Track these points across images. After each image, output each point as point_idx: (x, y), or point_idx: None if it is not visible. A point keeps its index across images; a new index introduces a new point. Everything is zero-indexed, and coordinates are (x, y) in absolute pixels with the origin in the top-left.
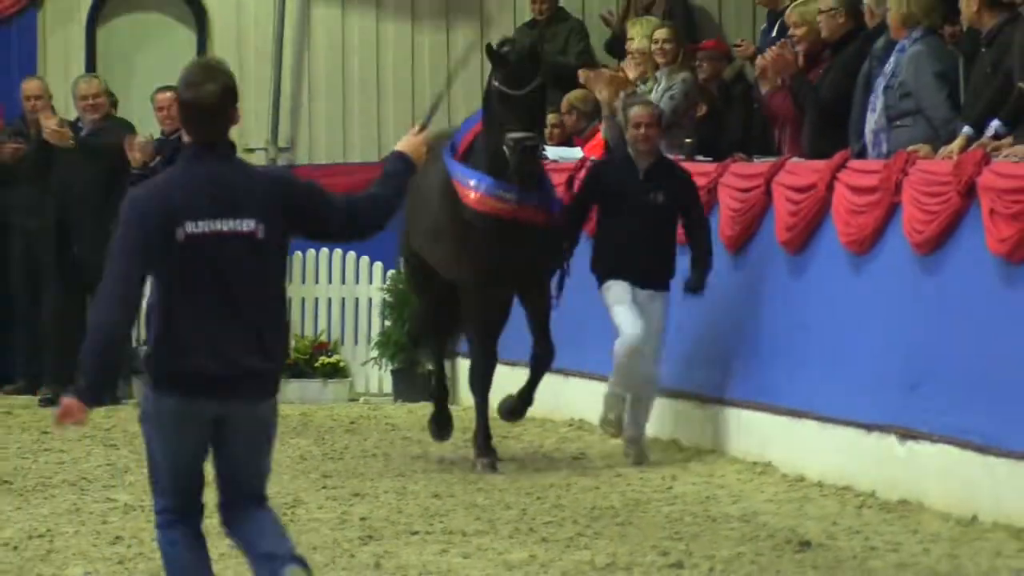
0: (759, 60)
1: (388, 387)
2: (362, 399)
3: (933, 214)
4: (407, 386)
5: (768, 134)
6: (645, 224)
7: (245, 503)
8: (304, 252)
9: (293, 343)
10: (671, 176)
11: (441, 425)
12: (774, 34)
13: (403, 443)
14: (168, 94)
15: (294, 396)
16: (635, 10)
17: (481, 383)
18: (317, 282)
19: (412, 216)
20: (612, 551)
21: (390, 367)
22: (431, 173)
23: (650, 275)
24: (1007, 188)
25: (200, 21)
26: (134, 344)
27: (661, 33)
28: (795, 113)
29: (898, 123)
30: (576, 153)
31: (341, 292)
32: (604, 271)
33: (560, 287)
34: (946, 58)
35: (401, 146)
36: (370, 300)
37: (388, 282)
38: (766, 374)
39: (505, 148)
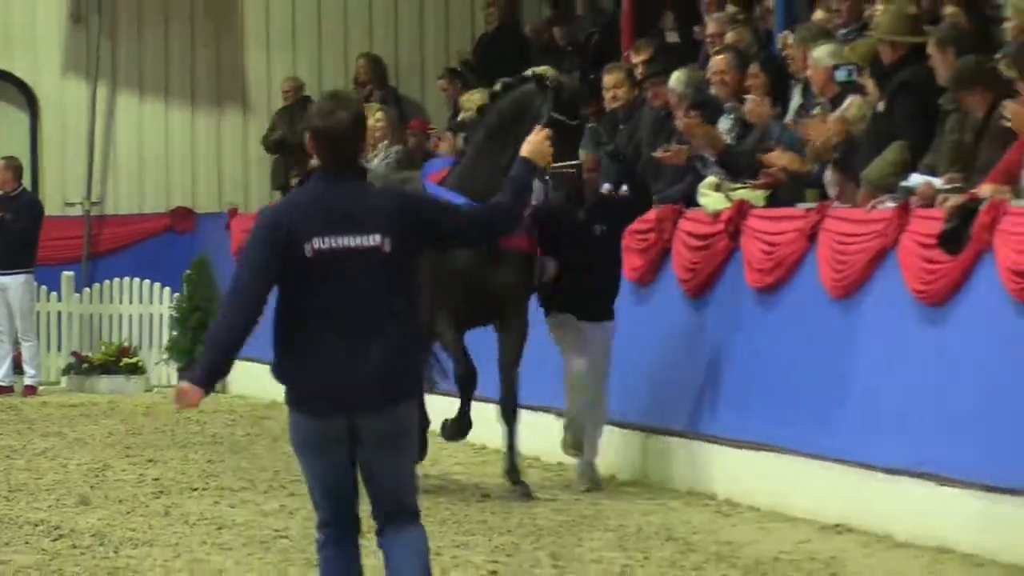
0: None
1: (175, 380)
2: (155, 390)
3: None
4: None
5: None
6: (587, 257)
7: (393, 516)
8: (111, 280)
9: (103, 348)
10: (609, 210)
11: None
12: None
13: (185, 422)
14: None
15: (104, 388)
16: (360, 98)
17: (457, 431)
18: (122, 303)
19: None
20: None
21: (177, 366)
22: None
23: (594, 306)
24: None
25: (32, 106)
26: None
27: (379, 116)
28: None
29: None
30: None
31: (139, 310)
32: (549, 304)
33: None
34: None
35: (525, 150)
36: (161, 316)
37: (174, 302)
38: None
39: (548, 177)
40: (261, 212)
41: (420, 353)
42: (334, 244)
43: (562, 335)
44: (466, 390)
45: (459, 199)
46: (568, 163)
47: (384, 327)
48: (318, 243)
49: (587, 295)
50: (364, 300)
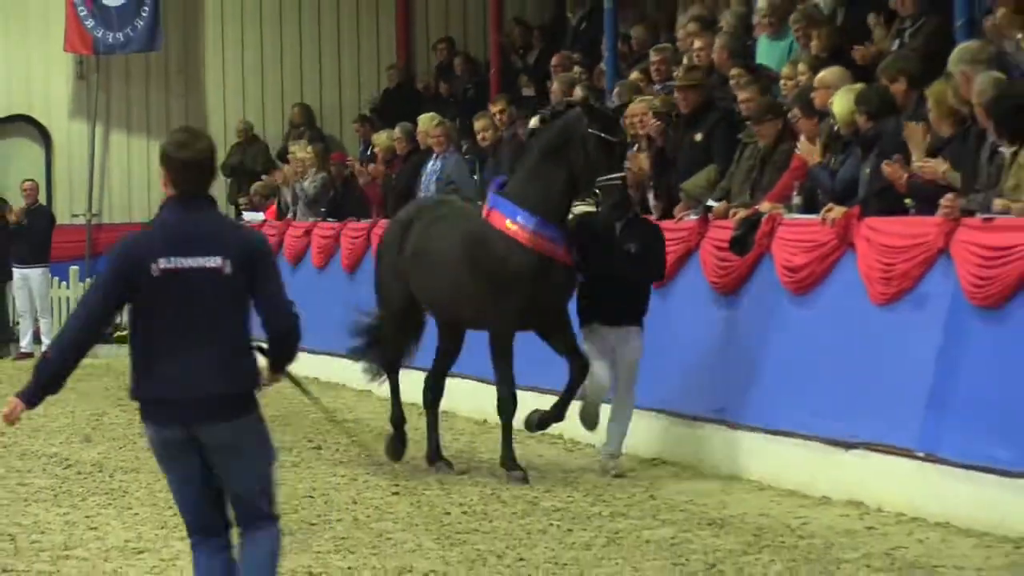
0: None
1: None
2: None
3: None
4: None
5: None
6: (620, 271)
7: (246, 519)
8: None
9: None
10: (641, 228)
11: (399, 446)
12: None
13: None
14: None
15: (102, 354)
16: (294, 136)
17: (511, 410)
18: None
19: (418, 280)
20: None
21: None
22: (444, 236)
23: (622, 314)
24: None
25: (46, 141)
26: None
27: (309, 149)
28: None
29: None
30: (260, 217)
31: None
32: (583, 315)
33: None
34: None
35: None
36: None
37: None
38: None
39: (598, 189)
40: (118, 241)
41: (254, 369)
42: (178, 264)
43: (591, 344)
44: (505, 417)
45: (519, 212)
46: (614, 175)
47: (221, 343)
48: (164, 263)
49: (616, 305)
50: (204, 318)
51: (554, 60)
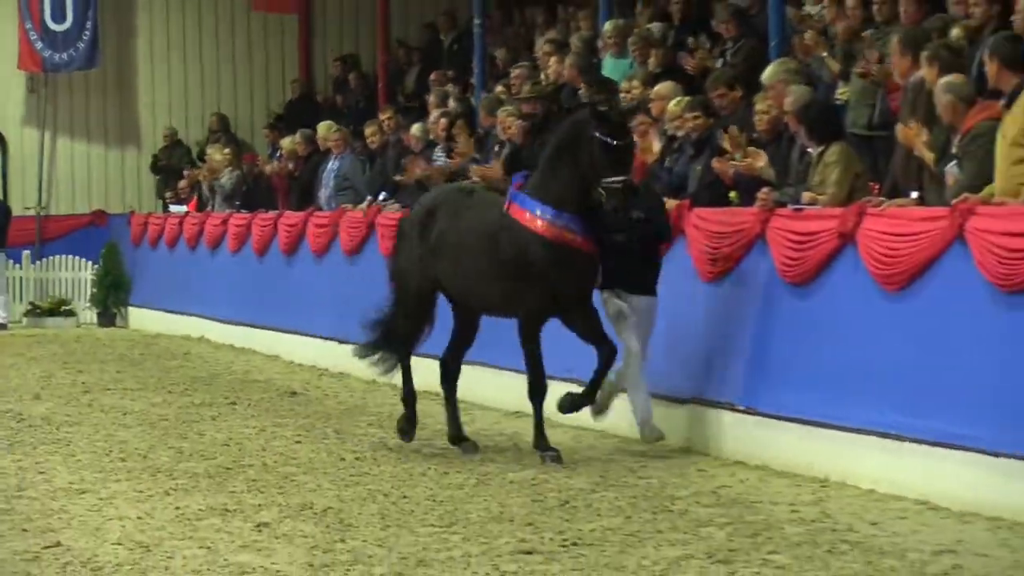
0: None
1: (95, 320)
2: (82, 326)
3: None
4: (107, 320)
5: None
6: (627, 238)
7: None
8: (54, 256)
9: (49, 300)
10: (646, 195)
11: (409, 426)
12: None
13: (101, 346)
14: None
15: (50, 325)
16: (212, 141)
17: (542, 394)
18: (61, 271)
19: (442, 268)
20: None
21: (96, 311)
22: (468, 226)
23: (634, 281)
24: None
25: (3, 145)
26: None
27: (226, 151)
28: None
29: None
30: (184, 208)
31: (72, 275)
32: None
33: None
34: None
35: None
36: (86, 279)
37: (94, 271)
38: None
39: (602, 190)
40: None
41: None
42: None
43: (615, 312)
44: (536, 403)
45: (539, 205)
46: (618, 179)
47: None
48: None
49: (627, 272)
50: None
51: (432, 76)
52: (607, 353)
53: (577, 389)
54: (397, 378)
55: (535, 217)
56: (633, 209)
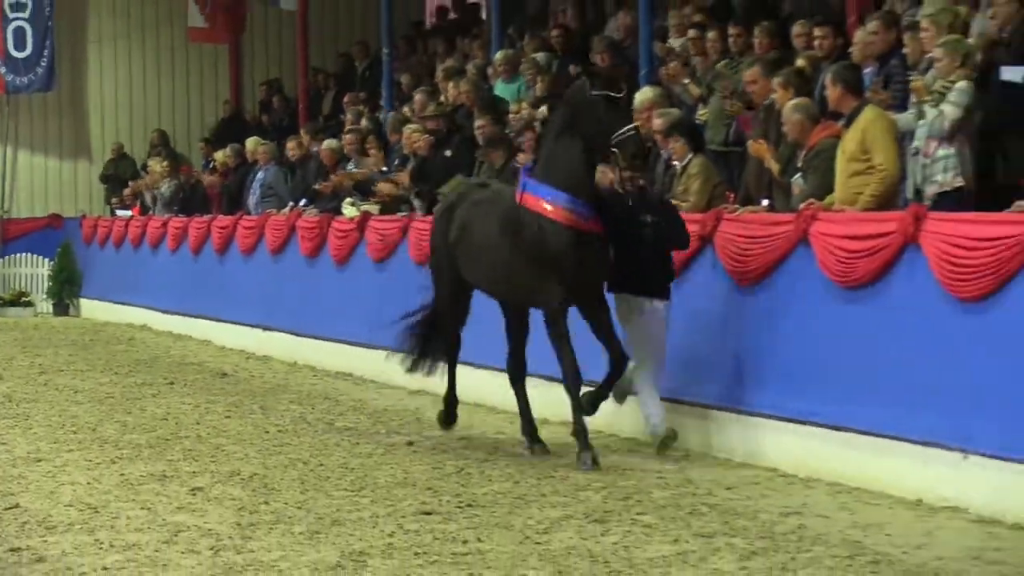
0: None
1: (51, 310)
2: (39, 316)
3: None
4: (61, 311)
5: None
6: (637, 241)
7: None
8: (16, 254)
9: (11, 292)
10: (651, 201)
11: (449, 418)
12: None
13: (55, 333)
14: None
15: (11, 315)
16: (153, 154)
17: (578, 384)
18: (21, 267)
19: (466, 262)
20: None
21: (52, 302)
22: (484, 218)
23: (647, 285)
24: None
25: None
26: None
27: (165, 163)
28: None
29: None
30: (129, 213)
31: (31, 271)
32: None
33: None
34: None
35: None
36: (43, 275)
37: (50, 268)
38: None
39: (615, 148)
40: None
41: None
42: None
43: (625, 315)
44: (575, 397)
45: (550, 191)
46: (626, 129)
47: None
48: None
49: (641, 274)
50: None
51: (346, 98)
52: (617, 359)
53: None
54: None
55: (547, 203)
56: (645, 214)
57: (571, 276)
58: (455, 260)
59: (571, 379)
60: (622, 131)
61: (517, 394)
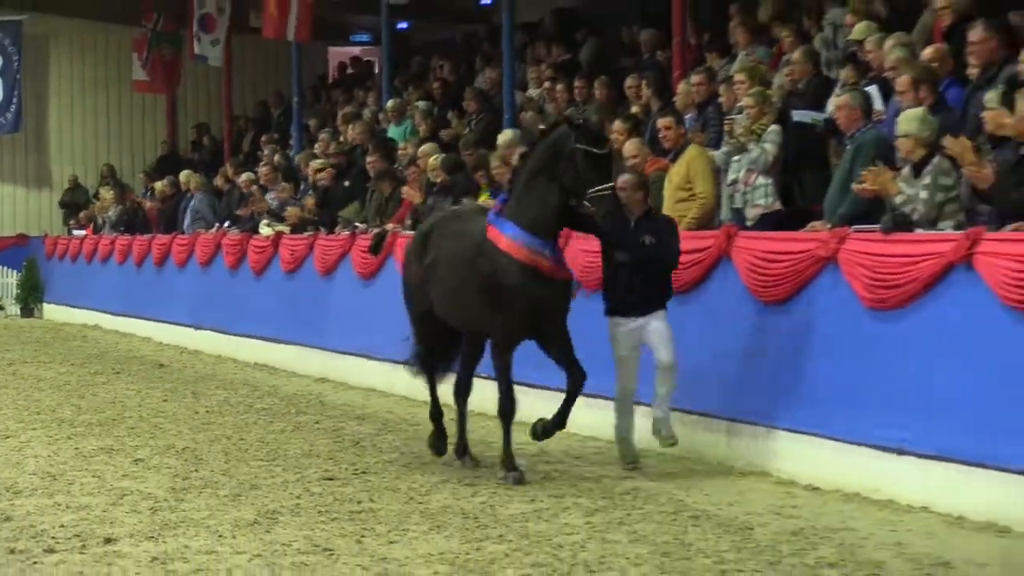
0: None
1: (18, 313)
2: (8, 319)
3: None
4: (27, 313)
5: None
6: (638, 261)
7: None
8: None
9: None
10: (656, 223)
11: (440, 442)
12: None
13: (22, 332)
14: None
15: None
16: (103, 184)
17: (510, 414)
18: None
19: (432, 287)
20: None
21: (19, 306)
22: (452, 246)
23: (647, 302)
24: None
25: None
26: None
27: (112, 192)
28: (158, 216)
29: None
30: (83, 233)
31: (2, 281)
32: (610, 304)
33: None
34: None
35: None
36: (12, 284)
37: (18, 278)
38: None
39: (587, 202)
40: None
41: None
42: None
43: (614, 346)
44: (505, 421)
45: (514, 229)
46: (603, 186)
47: None
48: None
49: (640, 293)
50: None
51: (263, 139)
52: (578, 380)
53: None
54: (262, 357)
55: (510, 240)
56: (643, 235)
57: (523, 313)
58: (424, 285)
59: (506, 409)
60: (599, 188)
61: (458, 408)
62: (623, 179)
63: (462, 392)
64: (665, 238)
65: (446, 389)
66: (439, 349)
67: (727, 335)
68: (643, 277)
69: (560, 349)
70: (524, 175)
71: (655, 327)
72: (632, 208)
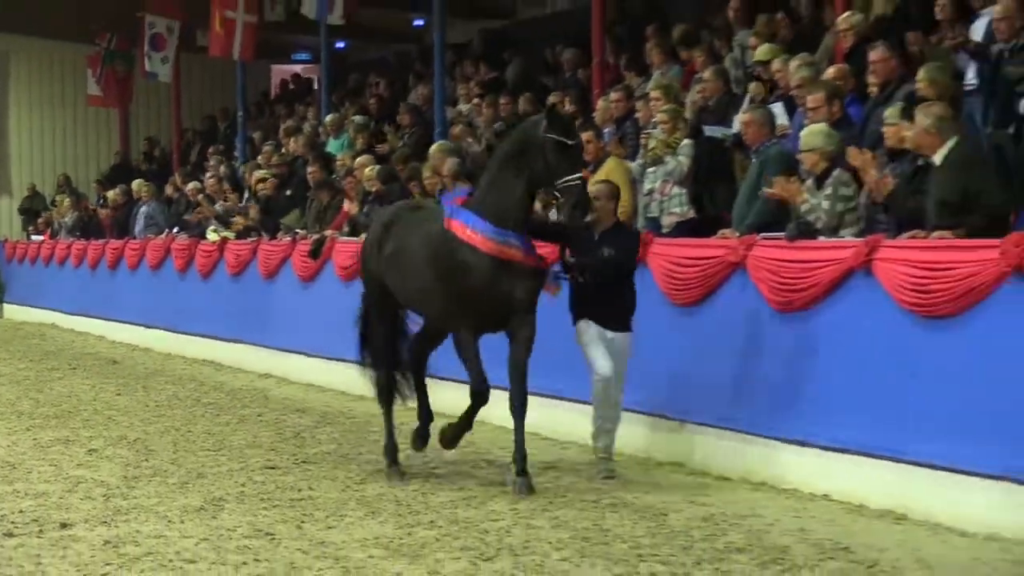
0: None
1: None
2: None
3: None
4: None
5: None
6: (599, 274)
7: None
8: None
9: None
10: (622, 235)
11: (423, 438)
12: None
13: (3, 334)
14: None
15: None
16: (59, 192)
17: (480, 403)
18: None
19: (396, 282)
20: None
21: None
22: (415, 239)
23: (610, 317)
24: None
25: None
26: None
27: (68, 200)
28: (111, 222)
29: None
30: (41, 238)
31: None
32: (575, 313)
33: None
34: None
35: None
36: None
37: None
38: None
39: (557, 192)
40: None
41: None
42: None
43: (586, 341)
44: (477, 403)
45: (480, 222)
46: (572, 177)
47: None
48: None
49: (603, 307)
50: None
51: (210, 150)
52: (516, 382)
53: (560, 405)
54: (209, 354)
55: (473, 231)
56: (604, 247)
57: (487, 304)
58: (382, 276)
59: (476, 398)
60: (568, 178)
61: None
62: (596, 188)
63: (419, 367)
64: (625, 247)
65: (443, 390)
66: (396, 342)
67: (644, 336)
68: (604, 288)
69: (516, 351)
70: (492, 166)
71: (618, 347)
72: (602, 217)
